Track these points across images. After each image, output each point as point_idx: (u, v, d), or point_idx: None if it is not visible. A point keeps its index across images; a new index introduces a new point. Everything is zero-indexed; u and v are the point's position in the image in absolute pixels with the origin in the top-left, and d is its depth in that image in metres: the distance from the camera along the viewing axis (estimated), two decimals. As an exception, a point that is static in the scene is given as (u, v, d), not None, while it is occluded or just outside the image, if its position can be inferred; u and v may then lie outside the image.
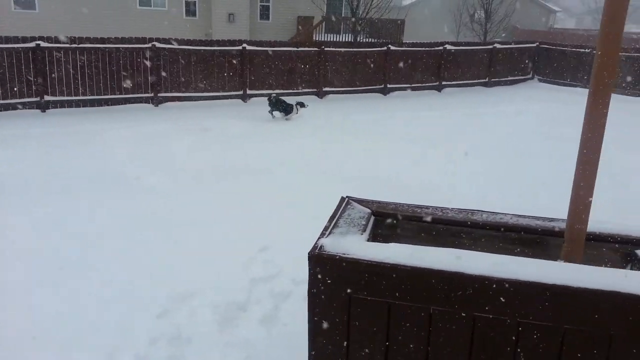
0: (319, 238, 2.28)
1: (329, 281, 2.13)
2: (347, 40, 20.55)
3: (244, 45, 13.36)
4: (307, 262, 2.13)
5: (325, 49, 14.47)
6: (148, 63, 12.18)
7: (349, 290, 2.12)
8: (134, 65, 12.09)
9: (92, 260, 4.43)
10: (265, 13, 24.19)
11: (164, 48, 12.35)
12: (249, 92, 13.53)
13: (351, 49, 15.17)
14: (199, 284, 4.06)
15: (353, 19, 18.85)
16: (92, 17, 19.79)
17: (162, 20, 21.43)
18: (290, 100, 11.80)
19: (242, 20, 22.65)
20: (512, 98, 15.17)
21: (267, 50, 13.66)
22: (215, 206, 5.76)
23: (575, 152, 2.29)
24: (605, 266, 2.49)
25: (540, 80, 18.15)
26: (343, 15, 23.78)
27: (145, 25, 20.32)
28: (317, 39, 21.84)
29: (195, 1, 22.37)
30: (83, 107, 11.64)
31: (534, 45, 18.50)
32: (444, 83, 16.47)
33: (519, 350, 2.04)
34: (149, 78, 12.27)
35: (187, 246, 4.74)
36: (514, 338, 2.03)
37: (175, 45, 12.53)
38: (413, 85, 15.92)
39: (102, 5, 20.39)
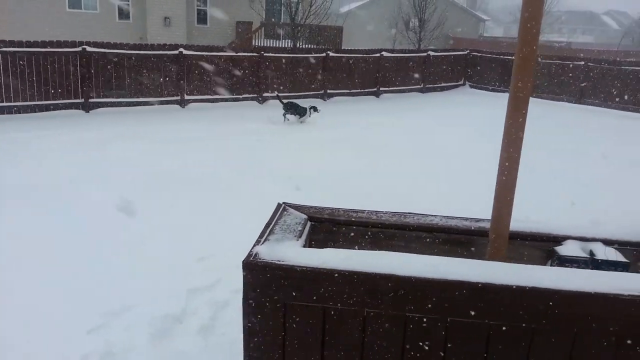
0: (254, 245, 2.27)
1: (264, 289, 2.12)
2: (286, 46, 20.60)
3: (181, 49, 13.09)
4: (246, 270, 2.11)
5: (265, 54, 14.44)
6: (78, 68, 11.66)
7: (284, 298, 2.12)
8: (64, 69, 11.53)
9: (10, 280, 4.16)
10: (202, 17, 23.81)
11: (95, 52, 11.87)
12: (187, 97, 13.26)
13: (291, 55, 15.23)
14: (135, 297, 3.92)
15: (292, 26, 18.94)
16: (18, 20, 18.70)
17: (93, 23, 20.60)
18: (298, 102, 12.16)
19: (179, 24, 22.18)
20: (444, 103, 15.76)
21: (205, 55, 13.45)
22: (152, 216, 5.59)
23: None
24: (528, 263, 2.64)
25: (471, 86, 18.98)
26: (282, 21, 23.81)
27: (76, 29, 19.46)
28: (256, 44, 21.74)
29: (128, 4, 21.66)
30: (8, 114, 10.96)
31: (465, 52, 19.33)
32: (381, 89, 16.87)
33: (449, 347, 2.12)
34: (80, 83, 11.74)
35: (123, 259, 4.57)
36: (444, 336, 2.11)
37: (107, 49, 12.08)
38: (352, 91, 16.19)
39: (29, 7, 19.32)
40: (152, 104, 12.70)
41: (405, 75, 17.59)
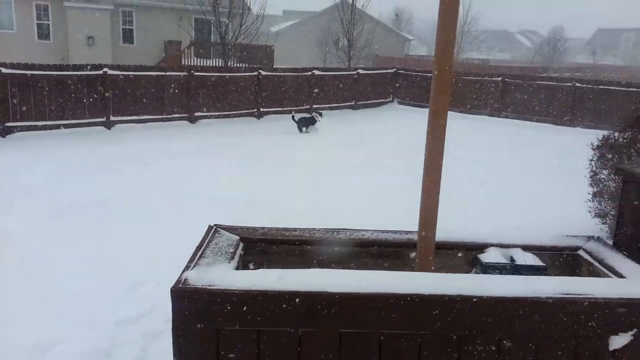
0: (183, 271, 2.21)
1: (194, 316, 2.06)
2: (217, 65, 20.43)
3: (106, 69, 12.63)
4: (178, 297, 2.04)
5: (195, 73, 14.24)
6: (-8, 90, 10.93)
7: (216, 323, 2.07)
8: (-26, 92, 10.76)
9: None
10: (129, 37, 23.18)
11: (12, 74, 11.19)
12: (113, 118, 12.78)
13: (222, 74, 15.11)
14: (60, 332, 3.68)
15: (222, 45, 18.84)
16: None
17: (10, 43, 19.46)
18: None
19: (103, 43, 21.45)
20: (373, 119, 16.20)
21: (131, 75, 13.06)
22: (76, 244, 5.30)
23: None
24: (454, 272, 2.75)
25: (399, 103, 19.67)
26: (212, 41, 23.64)
27: (-11, 49, 18.30)
28: (186, 63, 21.41)
29: (48, 24, 20.68)
30: None
31: (392, 70, 20.06)
32: (315, 106, 17.08)
33: (382, 359, 2.15)
34: (-6, 106, 11.01)
35: (48, 290, 4.28)
36: (378, 350, 2.14)
37: (25, 71, 11.43)
38: (286, 108, 16.29)
39: None
40: (76, 126, 12.11)
41: (337, 93, 17.95)
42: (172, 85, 13.83)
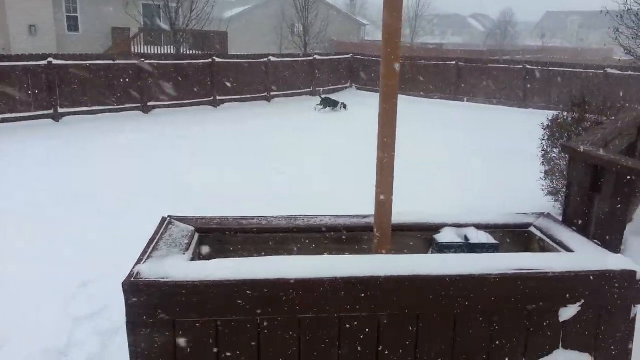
0: (135, 264, 2.14)
1: (148, 309, 2.00)
2: (169, 52, 19.87)
3: (50, 59, 12.05)
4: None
5: (145, 61, 13.79)
6: None
7: (172, 316, 2.02)
8: None
9: None
10: (74, 25, 22.18)
11: (-54, 64, 10.52)
12: (60, 110, 12.24)
13: (174, 62, 14.70)
14: (8, 332, 3.51)
15: (173, 31, 18.31)
16: None
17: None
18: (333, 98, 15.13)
19: (47, 32, 20.44)
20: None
21: (78, 64, 12.52)
22: (27, 240, 5.06)
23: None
24: (411, 253, 2.79)
25: (357, 88, 19.73)
26: (162, 27, 22.93)
27: None
28: (136, 51, 20.71)
29: (-15, 10, 19.53)
30: None
31: (349, 56, 20.06)
32: (272, 93, 16.91)
33: (343, 343, 2.16)
34: None
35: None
36: (337, 333, 2.15)
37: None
38: (243, 96, 16.04)
39: None
40: (20, 120, 11.53)
41: (295, 79, 17.81)
42: (123, 75, 13.35)
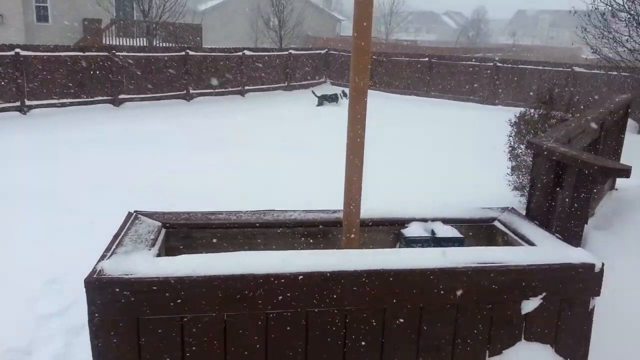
0: (98, 261, 2.10)
1: (111, 306, 1.97)
2: (141, 44, 19.50)
3: (18, 50, 11.69)
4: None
5: (117, 53, 13.50)
6: None
7: (136, 313, 1.99)
8: None
9: None
10: (43, 15, 21.55)
11: None
12: (28, 103, 11.89)
13: (147, 54, 14.43)
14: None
15: (146, 23, 17.97)
16: None
17: None
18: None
19: (15, 22, 19.82)
20: (307, 100, 16.16)
21: (47, 56, 12.18)
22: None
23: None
24: (379, 247, 2.81)
25: (332, 83, 19.74)
26: (135, 19, 22.47)
27: None
28: (108, 43, 20.26)
29: (-53, -1, 18.81)
30: None
31: (324, 51, 20.05)
32: (246, 88, 16.78)
33: (310, 337, 2.17)
34: None
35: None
36: (304, 328, 2.16)
37: None
38: (216, 90, 15.88)
39: None
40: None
41: (270, 74, 17.70)
42: (93, 67, 13.04)
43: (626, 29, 10.18)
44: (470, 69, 16.74)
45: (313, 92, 15.25)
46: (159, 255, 2.39)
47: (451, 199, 5.81)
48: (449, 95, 16.98)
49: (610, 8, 10.03)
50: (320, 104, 14.77)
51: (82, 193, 6.36)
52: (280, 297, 2.08)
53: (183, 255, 2.14)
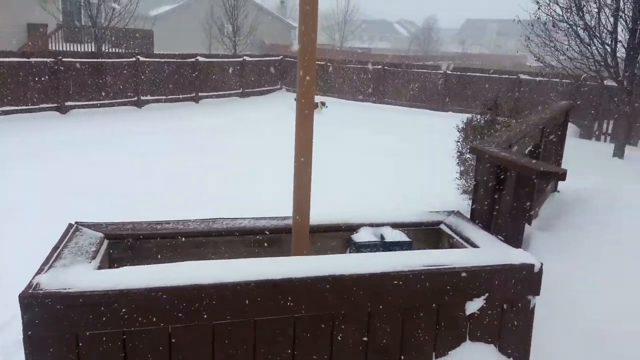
0: (34, 275, 2.01)
1: (49, 322, 1.89)
2: (90, 50, 18.90)
3: (-47, 55, 11.10)
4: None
5: (64, 59, 13.03)
6: None
7: (75, 329, 1.92)
8: None
9: None
10: (-18, 18, 20.51)
11: None
12: (-34, 111, 11.30)
13: (96, 60, 14.00)
14: None
15: (94, 29, 17.42)
16: None
17: None
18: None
19: (-50, 25, 18.78)
20: (260, 107, 16.09)
21: (-15, 62, 11.62)
22: None
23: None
24: (330, 253, 2.82)
25: (287, 90, 19.75)
26: (83, 24, 21.77)
27: None
28: (54, 48, 19.52)
29: None
30: None
31: (279, 57, 20.05)
32: (200, 94, 16.54)
33: (258, 347, 2.15)
34: None
35: None
36: (253, 337, 2.13)
37: None
38: (168, 97, 15.58)
39: None
40: None
41: (224, 80, 17.52)
42: (38, 73, 12.53)
43: (566, 39, 10.72)
44: (421, 76, 17.16)
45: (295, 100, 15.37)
46: (100, 267, 2.31)
47: (402, 203, 5.91)
48: (401, 102, 17.32)
49: (551, 18, 10.53)
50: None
51: (28, 201, 6.09)
52: (227, 307, 2.05)
53: (125, 267, 2.08)
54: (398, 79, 17.53)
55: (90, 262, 2.17)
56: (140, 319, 1.98)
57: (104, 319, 1.93)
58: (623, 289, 3.32)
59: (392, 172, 8.30)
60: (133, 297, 1.95)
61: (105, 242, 2.50)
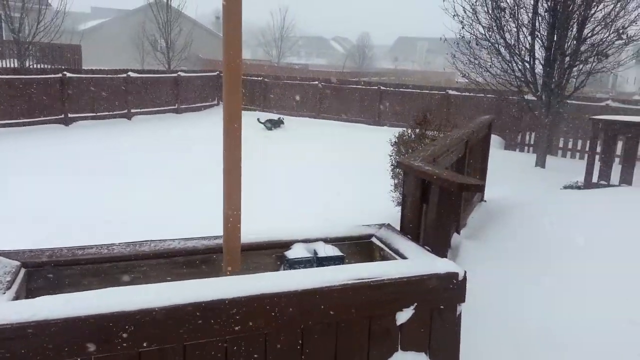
0: (-62, 311, 1.86)
1: (-46, 362, 1.75)
2: (12, 66, 17.87)
3: None
4: None
5: (-20, 76, 12.26)
6: None
7: (-15, 365, 1.79)
8: None
9: None
10: None
11: None
12: None
13: (18, 76, 13.28)
14: None
15: (17, 44, 16.52)
16: None
17: None
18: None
19: None
20: (195, 124, 15.84)
21: None
22: None
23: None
24: (263, 271, 2.81)
25: (224, 106, 19.58)
26: (5, 39, 20.59)
27: None
28: (-30, 64, 18.30)
29: None
30: None
31: (215, 73, 19.86)
32: (133, 111, 16.05)
33: (189, 372, 2.09)
34: None
35: None
36: (183, 362, 2.07)
37: None
38: (99, 114, 15.00)
39: None
40: None
41: (158, 96, 17.11)
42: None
43: (489, 56, 11.38)
44: (358, 92, 17.56)
45: (259, 120, 15.37)
46: (16, 298, 2.17)
47: (338, 217, 5.99)
48: (339, 116, 17.63)
49: (474, 37, 11.14)
50: (269, 128, 15.15)
51: None
52: (155, 333, 1.99)
53: (42, 297, 1.96)
54: (336, 94, 17.87)
55: (4, 293, 2.04)
56: (60, 352, 1.87)
57: (19, 354, 1.81)
58: (547, 292, 3.52)
59: (328, 185, 8.40)
60: (51, 328, 1.85)
61: (22, 270, 2.35)
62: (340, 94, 17.79)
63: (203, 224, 4.64)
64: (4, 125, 12.62)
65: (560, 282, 3.58)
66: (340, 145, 12.97)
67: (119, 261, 2.59)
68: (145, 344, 1.99)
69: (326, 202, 7.23)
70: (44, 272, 2.46)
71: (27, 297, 2.36)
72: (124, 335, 1.95)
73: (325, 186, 8.34)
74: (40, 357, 1.84)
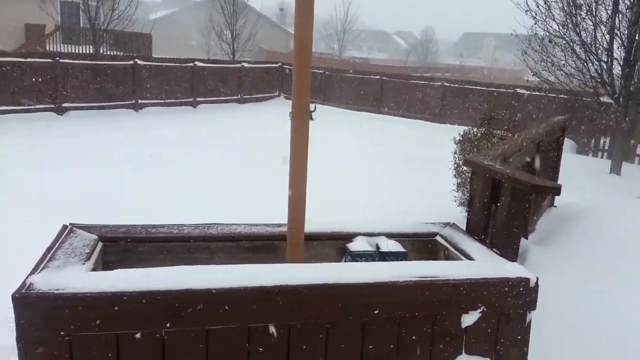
0: (28, 275, 1.99)
1: (42, 323, 1.87)
2: (88, 52, 18.89)
3: (-50, 53, 11.06)
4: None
5: (61, 60, 13.02)
6: None
7: (69, 330, 1.90)
8: None
9: None
10: (-19, 17, 20.46)
11: None
12: (-39, 109, 11.25)
13: (93, 62, 14.01)
14: None
15: (92, 31, 17.42)
16: None
17: None
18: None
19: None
20: (258, 113, 16.12)
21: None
22: None
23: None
24: (324, 262, 2.81)
25: (286, 98, 19.80)
26: (82, 26, 21.77)
27: None
28: (52, 49, 19.52)
29: None
30: None
31: (277, 65, 20.11)
32: (198, 99, 16.55)
33: (251, 355, 2.13)
34: None
35: None
36: (246, 343, 2.12)
37: None
38: (167, 101, 15.58)
39: None
40: None
41: (222, 86, 17.55)
42: (35, 73, 12.50)
43: (562, 54, 10.81)
44: (420, 88, 17.24)
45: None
46: (94, 269, 2.29)
47: (399, 213, 5.91)
48: (400, 112, 17.39)
49: (548, 34, 10.62)
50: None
51: (27, 206, 6.03)
52: (221, 313, 2.04)
53: (119, 270, 2.06)
54: (397, 90, 17.63)
55: (83, 264, 2.15)
56: (132, 322, 1.96)
57: (96, 321, 1.91)
58: (621, 302, 3.32)
59: (388, 181, 8.30)
60: (125, 300, 1.93)
61: (99, 244, 2.48)
62: (402, 90, 17.52)
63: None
64: (78, 108, 13.36)
65: (635, 294, 3.37)
66: (400, 141, 12.80)
67: (188, 241, 2.68)
68: (212, 322, 2.04)
69: (384, 199, 7.15)
70: (119, 246, 2.58)
71: (103, 269, 2.48)
72: (193, 312, 2.01)
73: (384, 182, 8.25)
74: (115, 325, 1.94)
